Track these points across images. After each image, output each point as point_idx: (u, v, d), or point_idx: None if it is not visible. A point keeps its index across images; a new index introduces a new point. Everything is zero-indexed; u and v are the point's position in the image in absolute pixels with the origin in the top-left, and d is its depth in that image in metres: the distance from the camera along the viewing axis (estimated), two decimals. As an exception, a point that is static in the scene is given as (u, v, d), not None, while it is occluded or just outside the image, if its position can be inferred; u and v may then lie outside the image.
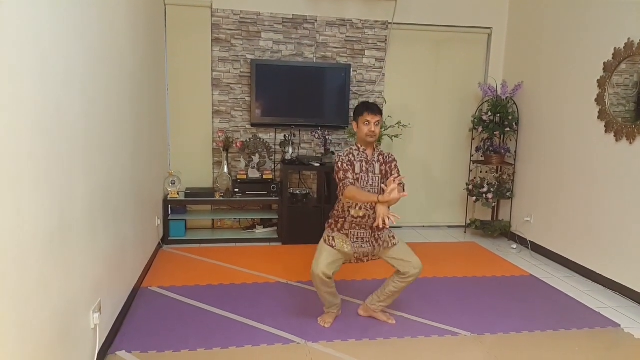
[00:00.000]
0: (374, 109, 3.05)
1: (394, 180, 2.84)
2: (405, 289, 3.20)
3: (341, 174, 3.00)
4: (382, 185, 2.99)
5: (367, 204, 3.01)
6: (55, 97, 1.96)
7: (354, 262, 3.18)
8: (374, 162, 3.10)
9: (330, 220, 3.20)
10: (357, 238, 3.11)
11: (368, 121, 3.02)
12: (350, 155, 3.09)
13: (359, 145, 3.13)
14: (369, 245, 3.12)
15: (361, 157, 3.09)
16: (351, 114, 5.20)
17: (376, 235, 3.12)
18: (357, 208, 3.05)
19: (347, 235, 3.10)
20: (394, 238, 3.15)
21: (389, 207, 2.87)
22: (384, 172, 3.11)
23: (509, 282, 4.08)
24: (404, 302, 3.56)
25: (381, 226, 2.76)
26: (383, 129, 5.02)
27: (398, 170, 3.13)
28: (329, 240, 3.11)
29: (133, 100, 3.40)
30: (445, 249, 5.01)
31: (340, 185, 2.99)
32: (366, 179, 3.07)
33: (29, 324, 1.72)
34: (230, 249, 4.78)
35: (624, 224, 3.81)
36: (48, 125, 1.88)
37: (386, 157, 3.15)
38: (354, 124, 3.13)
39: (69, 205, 2.11)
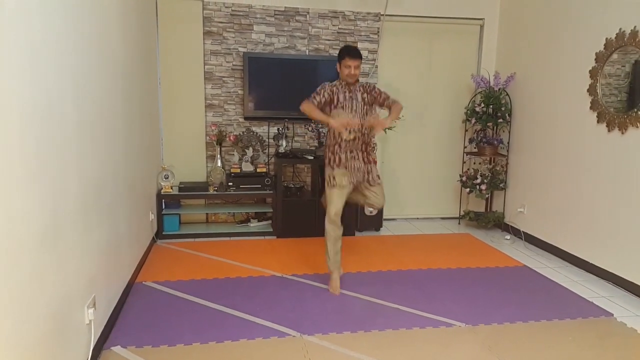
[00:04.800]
0: (354, 53, 3.47)
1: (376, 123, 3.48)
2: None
3: (313, 94, 3.53)
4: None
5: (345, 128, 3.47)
6: (47, 91, 1.94)
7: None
8: (356, 92, 3.56)
9: (328, 154, 3.60)
10: (354, 169, 3.56)
11: (349, 65, 3.46)
12: (334, 88, 3.55)
13: (341, 81, 3.56)
14: (362, 175, 3.59)
15: (345, 89, 3.55)
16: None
17: (368, 168, 3.60)
18: (347, 132, 3.49)
19: (346, 167, 3.54)
20: (379, 178, 3.67)
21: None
22: (366, 99, 3.56)
23: (503, 273, 4.10)
24: (399, 293, 3.58)
25: (345, 135, 3.45)
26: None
27: (382, 92, 3.60)
28: (331, 181, 3.55)
29: (125, 95, 3.37)
30: (439, 241, 5.03)
31: (306, 100, 3.52)
32: (350, 105, 3.53)
33: (23, 321, 1.72)
34: (225, 242, 4.78)
35: (616, 213, 3.84)
36: (39, 120, 1.86)
37: (367, 87, 3.61)
38: (338, 65, 3.55)
39: (62, 200, 2.10)
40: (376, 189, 3.65)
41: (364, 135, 3.55)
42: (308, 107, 3.49)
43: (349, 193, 3.59)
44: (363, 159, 3.59)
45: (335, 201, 3.52)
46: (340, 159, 3.53)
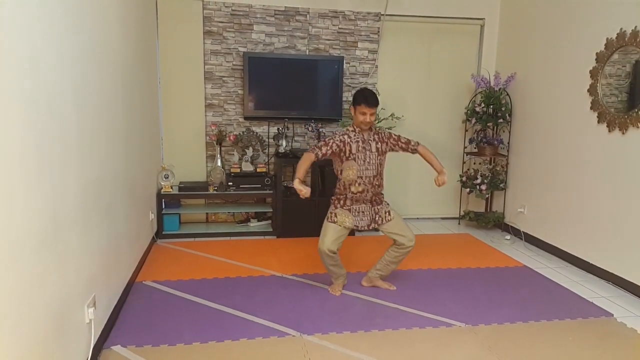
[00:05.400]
0: (371, 102, 3.28)
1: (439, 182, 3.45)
2: (401, 260, 3.55)
3: (320, 143, 3.36)
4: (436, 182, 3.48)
5: (353, 179, 3.36)
6: (47, 91, 1.94)
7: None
8: (370, 141, 3.38)
9: (333, 197, 3.50)
10: (358, 212, 3.43)
11: (364, 112, 3.28)
12: (346, 136, 3.35)
13: (355, 127, 3.38)
14: (368, 218, 3.45)
15: (357, 138, 3.36)
16: (344, 106, 5.24)
17: (376, 209, 3.46)
18: (357, 185, 3.36)
19: (349, 210, 3.42)
20: (389, 214, 3.48)
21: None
22: (381, 149, 3.40)
23: (503, 273, 4.10)
24: (398, 293, 3.58)
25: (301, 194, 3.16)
26: (377, 122, 5.01)
27: (400, 136, 3.48)
28: (331, 217, 3.43)
29: (125, 94, 3.37)
30: (439, 241, 5.03)
31: (310, 148, 3.34)
32: (363, 157, 3.35)
33: (23, 320, 1.72)
34: (225, 242, 4.78)
35: (616, 214, 3.84)
36: (39, 120, 1.86)
37: (382, 135, 3.44)
38: (352, 108, 3.37)
39: (62, 200, 2.09)
40: (390, 225, 3.44)
41: (374, 187, 3.39)
42: (303, 158, 3.27)
43: (344, 236, 3.42)
44: (371, 202, 3.44)
45: (329, 235, 3.35)
46: (345, 202, 3.41)
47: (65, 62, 2.16)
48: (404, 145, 3.46)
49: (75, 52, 2.31)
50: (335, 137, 3.36)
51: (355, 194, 3.37)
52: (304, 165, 3.26)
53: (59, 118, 2.08)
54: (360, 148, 3.34)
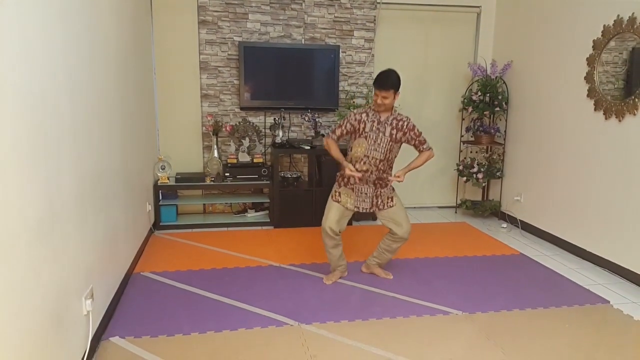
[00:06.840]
0: (383, 84, 3.22)
1: (395, 177, 3.30)
2: (396, 250, 3.58)
3: (334, 127, 3.41)
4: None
5: (360, 157, 3.35)
6: (40, 82, 1.92)
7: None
8: (386, 124, 3.33)
9: (338, 174, 3.52)
10: (360, 192, 3.41)
11: (376, 94, 3.27)
12: (364, 114, 3.35)
13: (374, 107, 3.35)
14: (369, 201, 3.43)
15: (374, 118, 3.33)
16: (341, 96, 5.22)
17: (378, 192, 3.42)
18: (362, 163, 3.34)
19: (352, 189, 3.41)
20: (391, 200, 3.45)
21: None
22: (395, 136, 3.34)
23: (500, 261, 4.11)
24: (396, 282, 3.59)
25: (346, 175, 3.29)
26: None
27: (421, 134, 3.43)
28: (335, 195, 3.45)
29: (120, 85, 3.35)
30: (436, 230, 5.04)
31: (326, 134, 3.33)
32: (374, 138, 3.31)
33: (20, 312, 1.71)
34: (222, 233, 4.78)
35: (612, 201, 3.85)
36: (33, 112, 1.84)
37: (401, 125, 3.36)
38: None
39: (57, 192, 2.09)
40: (390, 212, 3.43)
41: (379, 171, 3.35)
42: (327, 145, 3.40)
43: (348, 217, 3.46)
44: (374, 184, 3.39)
45: (332, 214, 3.40)
46: (348, 180, 3.41)
47: (58, 53, 2.14)
48: (417, 143, 3.41)
49: (68, 42, 2.28)
50: (350, 116, 3.36)
51: (360, 172, 3.32)
52: (332, 148, 3.38)
53: (53, 109, 2.06)
54: (374, 128, 3.31)
